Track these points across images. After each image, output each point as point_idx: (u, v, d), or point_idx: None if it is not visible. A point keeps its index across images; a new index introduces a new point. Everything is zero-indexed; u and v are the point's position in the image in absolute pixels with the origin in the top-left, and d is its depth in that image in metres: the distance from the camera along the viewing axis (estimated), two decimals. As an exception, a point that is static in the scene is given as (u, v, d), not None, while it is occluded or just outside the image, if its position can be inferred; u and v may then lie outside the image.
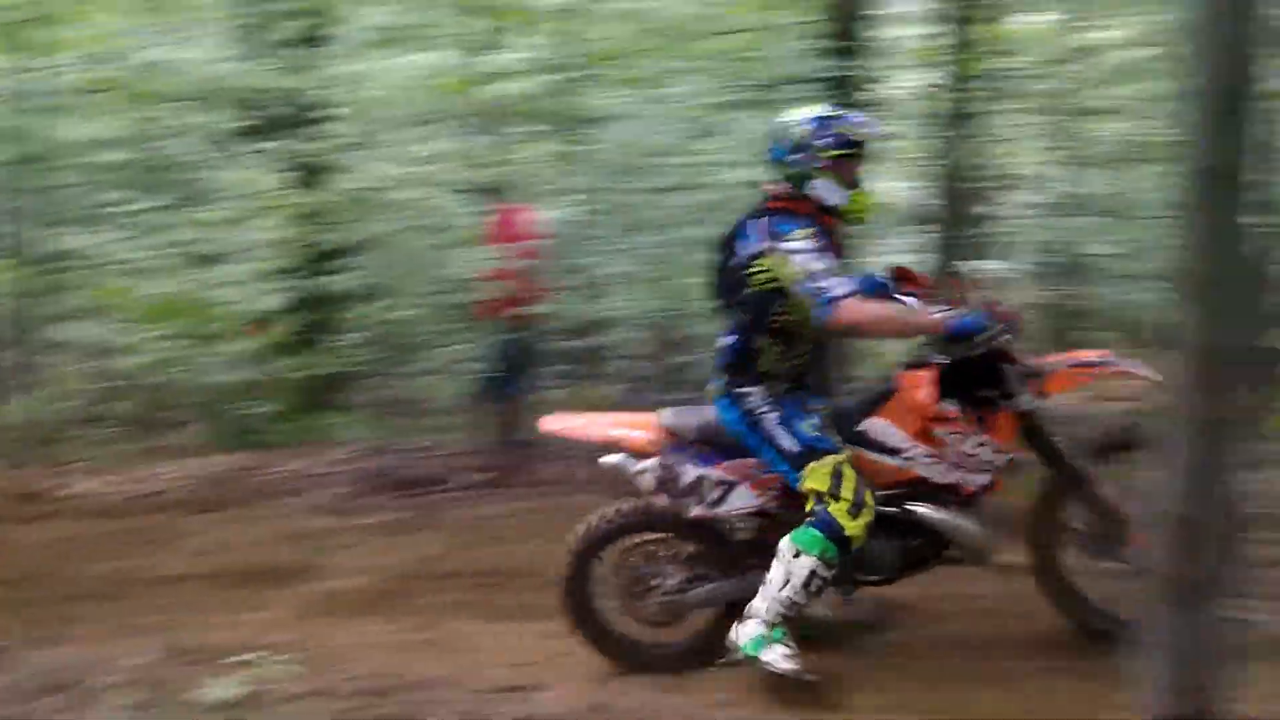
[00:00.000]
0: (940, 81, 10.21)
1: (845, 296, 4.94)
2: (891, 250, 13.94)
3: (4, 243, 10.95)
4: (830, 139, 5.20)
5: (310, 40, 11.92)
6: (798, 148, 5.21)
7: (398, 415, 12.49)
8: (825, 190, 5.21)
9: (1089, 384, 5.57)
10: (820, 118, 5.28)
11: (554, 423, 5.80)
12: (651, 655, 5.69)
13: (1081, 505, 5.46)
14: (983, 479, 5.32)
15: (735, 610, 5.46)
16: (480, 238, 10.36)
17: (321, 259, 11.89)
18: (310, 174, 11.80)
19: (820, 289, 4.96)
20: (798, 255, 5.03)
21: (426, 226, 11.84)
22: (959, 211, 11.05)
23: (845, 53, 10.22)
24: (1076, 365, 5.44)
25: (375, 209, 11.62)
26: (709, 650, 5.56)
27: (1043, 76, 12.28)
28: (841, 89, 10.00)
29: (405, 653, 5.95)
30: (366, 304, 12.20)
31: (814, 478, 5.11)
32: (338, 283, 11.72)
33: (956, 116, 10.52)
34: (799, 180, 5.23)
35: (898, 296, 5.41)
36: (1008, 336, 5.14)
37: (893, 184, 13.39)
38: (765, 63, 11.01)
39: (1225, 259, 3.28)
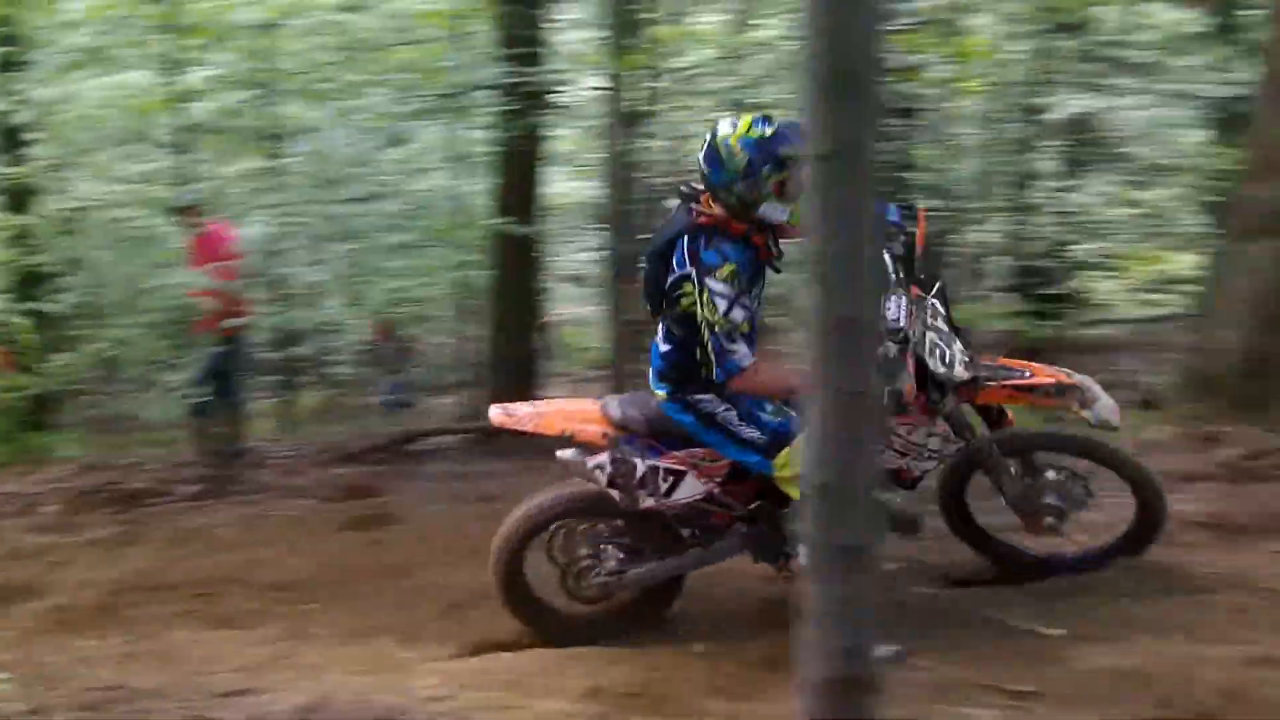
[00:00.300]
0: (611, 83, 10.72)
1: (745, 369, 5.09)
2: (574, 249, 14.61)
3: None
4: (772, 163, 5.08)
5: (9, 64, 11.99)
6: (744, 174, 5.09)
7: (114, 431, 12.65)
8: (772, 211, 5.14)
9: (1020, 403, 5.75)
10: (758, 141, 5.11)
11: (501, 415, 5.73)
12: (581, 628, 5.87)
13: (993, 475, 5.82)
14: (928, 465, 5.62)
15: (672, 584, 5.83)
16: (186, 255, 10.58)
17: (33, 280, 12.01)
18: (18, 196, 11.90)
19: (726, 352, 5.08)
20: (718, 300, 5.04)
21: (136, 245, 12.02)
22: (631, 210, 11.30)
23: (526, 59, 10.73)
24: (1017, 386, 5.61)
25: (85, 229, 11.77)
26: (636, 619, 5.87)
27: (716, 74, 12.82)
28: (522, 94, 10.57)
29: (127, 665, 5.98)
30: (81, 323, 12.33)
31: (793, 463, 5.05)
32: (51, 303, 11.85)
33: (629, 116, 10.82)
34: (747, 205, 5.14)
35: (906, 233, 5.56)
36: (896, 390, 5.22)
37: (573, 185, 13.97)
38: (452, 71, 11.44)
39: (846, 238, 3.34)
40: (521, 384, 11.34)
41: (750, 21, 13.84)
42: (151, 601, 7.09)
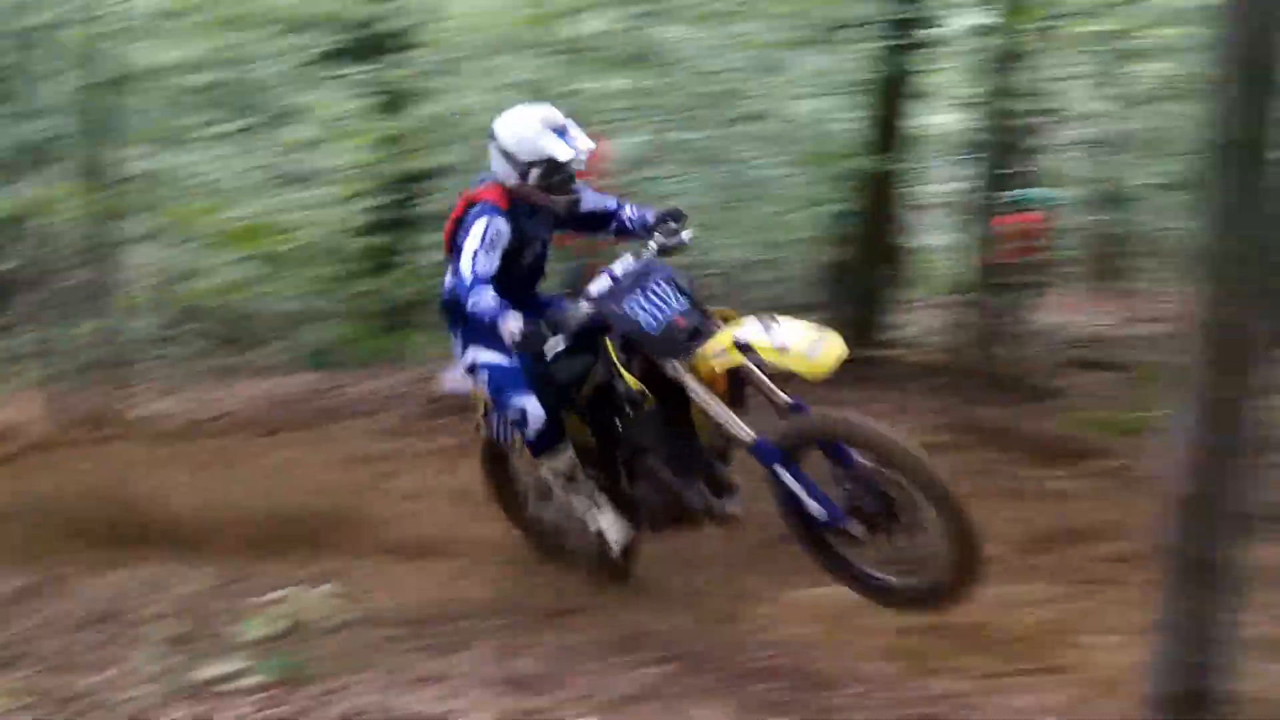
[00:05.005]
0: (993, 22, 10.69)
1: None
2: (941, 179, 14.48)
3: (77, 165, 11.02)
4: None
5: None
6: None
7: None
8: None
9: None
10: None
11: None
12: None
13: None
14: None
15: None
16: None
17: (402, 184, 12.37)
18: (393, 99, 12.18)
19: None
20: None
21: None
22: (1008, 143, 11.48)
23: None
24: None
25: (456, 135, 11.92)
26: None
27: (1092, 17, 12.53)
28: (901, 29, 10.69)
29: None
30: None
31: None
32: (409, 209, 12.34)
33: (1008, 55, 10.92)
34: None
35: None
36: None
37: (947, 117, 13.82)
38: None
39: (1243, 236, 3.20)
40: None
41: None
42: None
